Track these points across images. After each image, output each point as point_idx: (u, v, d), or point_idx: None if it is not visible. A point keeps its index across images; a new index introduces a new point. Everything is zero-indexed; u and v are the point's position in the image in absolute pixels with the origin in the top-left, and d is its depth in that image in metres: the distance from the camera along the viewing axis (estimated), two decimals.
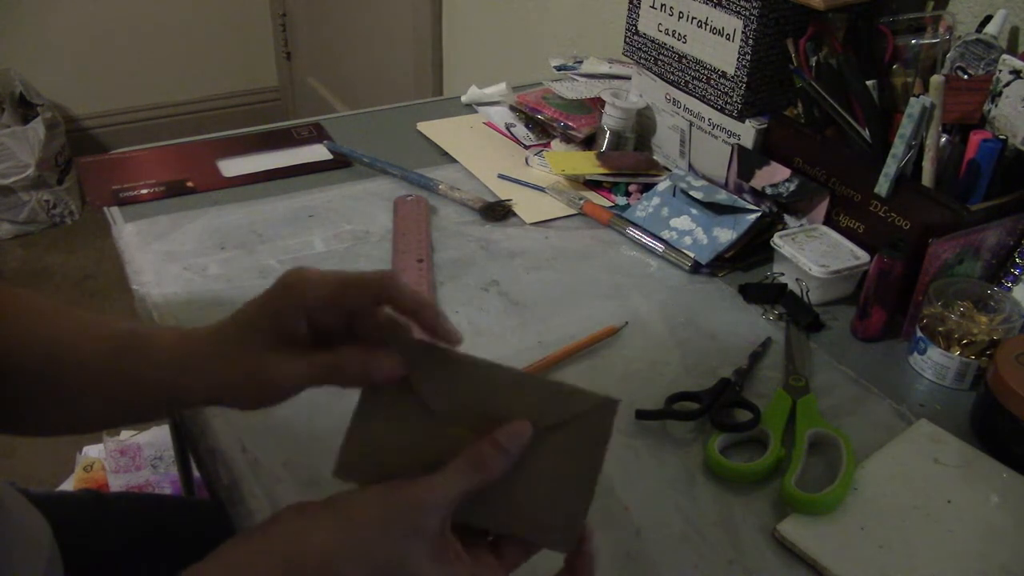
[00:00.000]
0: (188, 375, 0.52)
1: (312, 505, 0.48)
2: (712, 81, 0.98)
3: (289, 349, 0.51)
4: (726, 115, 0.98)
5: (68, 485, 1.68)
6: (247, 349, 0.51)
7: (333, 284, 0.50)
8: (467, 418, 0.49)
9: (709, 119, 1.01)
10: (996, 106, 0.83)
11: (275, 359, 0.50)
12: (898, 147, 0.82)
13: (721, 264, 0.93)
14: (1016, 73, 0.81)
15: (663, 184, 1.01)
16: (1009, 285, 0.84)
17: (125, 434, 1.73)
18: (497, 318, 0.85)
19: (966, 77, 0.85)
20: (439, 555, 0.46)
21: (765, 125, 0.96)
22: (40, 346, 0.57)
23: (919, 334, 0.80)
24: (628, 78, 1.15)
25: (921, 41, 0.89)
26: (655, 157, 1.11)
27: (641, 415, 0.73)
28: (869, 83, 0.87)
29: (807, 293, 0.88)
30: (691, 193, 0.97)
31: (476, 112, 1.25)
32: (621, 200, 1.05)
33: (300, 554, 0.45)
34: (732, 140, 0.99)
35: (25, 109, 2.59)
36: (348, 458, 0.50)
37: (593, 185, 1.07)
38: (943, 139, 0.83)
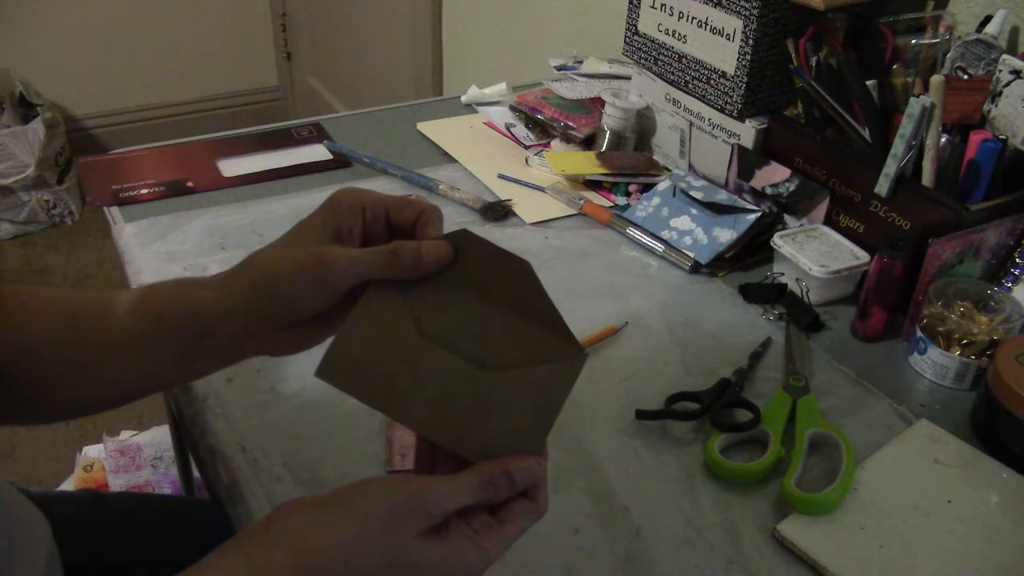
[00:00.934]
0: (241, 278, 0.53)
1: (309, 502, 0.48)
2: (712, 81, 0.98)
3: (346, 245, 0.52)
4: (726, 115, 0.98)
5: (68, 485, 1.68)
6: (308, 240, 0.52)
7: (383, 197, 0.54)
8: (454, 341, 0.51)
9: (709, 119, 1.01)
10: (996, 106, 0.83)
11: (337, 249, 0.52)
12: (898, 147, 0.82)
13: (721, 264, 0.93)
14: (1016, 73, 0.81)
15: (663, 184, 1.01)
16: (1009, 285, 0.84)
17: (125, 434, 1.73)
18: None
19: (966, 77, 0.85)
20: (439, 536, 0.47)
21: (765, 125, 0.96)
22: (55, 323, 0.57)
23: (919, 334, 0.80)
24: (628, 78, 1.15)
25: (921, 41, 0.89)
26: (655, 157, 1.11)
27: (641, 415, 0.73)
28: (869, 83, 0.87)
29: (807, 293, 0.88)
30: (691, 193, 0.97)
31: (476, 112, 1.25)
32: (621, 200, 1.05)
33: (309, 556, 0.45)
34: (732, 140, 0.99)
35: (25, 109, 2.59)
36: (333, 362, 0.51)
37: (593, 185, 1.07)
38: (943, 139, 0.83)
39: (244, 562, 0.46)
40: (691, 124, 1.04)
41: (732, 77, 0.95)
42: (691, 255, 0.93)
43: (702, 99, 1.01)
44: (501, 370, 0.51)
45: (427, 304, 0.52)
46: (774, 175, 0.94)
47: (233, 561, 0.46)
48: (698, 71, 1.00)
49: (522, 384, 0.51)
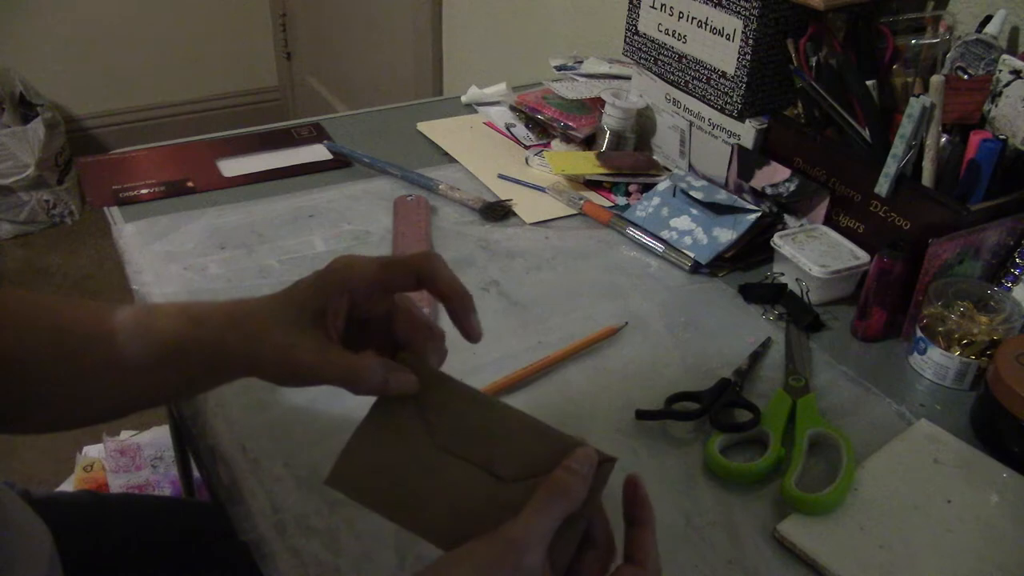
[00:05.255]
0: (230, 339, 0.53)
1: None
2: (712, 81, 0.98)
3: (324, 337, 0.52)
4: (726, 115, 0.98)
5: (68, 485, 1.68)
6: (285, 322, 0.52)
7: (377, 265, 0.53)
8: (469, 452, 0.50)
9: (709, 119, 1.01)
10: (996, 106, 0.83)
11: (306, 344, 0.52)
12: (898, 147, 0.82)
13: (721, 264, 0.93)
14: (1016, 73, 0.81)
15: (663, 184, 1.01)
16: (1009, 285, 0.84)
17: (125, 434, 1.73)
18: (497, 318, 0.85)
19: (966, 77, 0.85)
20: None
21: (765, 125, 0.96)
22: (49, 336, 0.56)
23: (919, 334, 0.80)
24: (628, 78, 1.15)
25: (921, 41, 0.89)
26: (655, 157, 1.11)
27: (641, 415, 0.73)
28: (869, 83, 0.87)
29: (807, 293, 0.88)
30: (691, 193, 0.97)
31: (476, 112, 1.25)
32: (621, 200, 1.05)
33: None
34: (732, 140, 0.99)
35: (25, 109, 2.59)
36: (342, 470, 0.51)
37: (593, 185, 1.07)
38: (943, 139, 0.83)
39: None
40: (691, 124, 1.04)
41: (732, 77, 0.95)
42: (691, 255, 0.93)
43: (702, 99, 1.01)
44: (519, 480, 0.49)
45: (438, 409, 0.52)
46: (774, 175, 0.94)
47: None
48: (698, 71, 1.00)
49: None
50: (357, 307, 0.53)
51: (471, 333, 0.54)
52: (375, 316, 0.55)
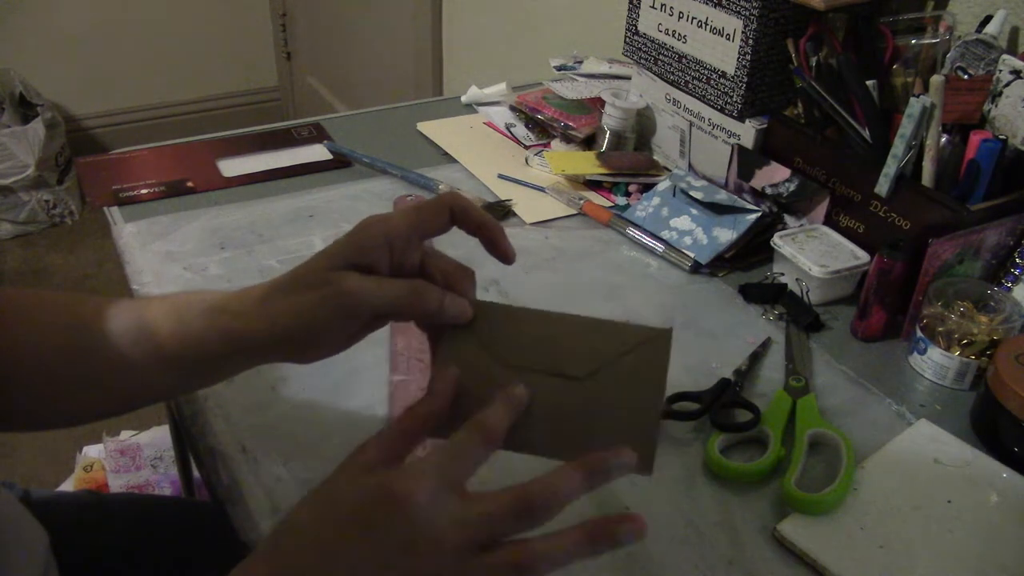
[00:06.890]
0: (264, 303, 0.53)
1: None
2: (712, 81, 0.98)
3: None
4: (726, 115, 0.98)
5: (68, 485, 1.68)
6: (331, 271, 0.52)
7: (409, 211, 0.54)
8: (536, 363, 0.52)
9: (709, 119, 1.01)
10: (996, 106, 0.83)
11: (358, 278, 0.52)
12: (898, 147, 0.82)
13: (721, 264, 0.93)
14: (1016, 73, 0.81)
15: (663, 184, 1.01)
16: (1009, 285, 0.84)
17: (125, 434, 1.73)
18: None
19: (966, 77, 0.85)
20: (371, 472, 0.48)
21: (765, 125, 0.96)
22: (64, 333, 0.57)
23: (919, 334, 0.80)
24: (628, 78, 1.15)
25: (921, 41, 0.89)
26: (655, 157, 1.11)
27: None
28: (869, 83, 0.87)
29: (807, 293, 0.88)
30: (691, 193, 0.97)
31: (476, 112, 1.25)
32: (621, 200, 1.05)
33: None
34: (732, 140, 0.99)
35: (25, 109, 2.59)
36: None
37: (593, 185, 1.07)
38: (943, 139, 0.83)
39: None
40: (691, 124, 1.04)
41: (732, 77, 0.95)
42: (691, 255, 0.93)
43: (702, 99, 1.01)
44: (593, 375, 0.52)
45: (496, 332, 0.54)
46: (774, 175, 0.94)
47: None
48: (698, 71, 1.00)
49: (618, 379, 0.52)
50: (393, 258, 0.53)
51: (508, 255, 0.56)
52: (406, 267, 0.55)
